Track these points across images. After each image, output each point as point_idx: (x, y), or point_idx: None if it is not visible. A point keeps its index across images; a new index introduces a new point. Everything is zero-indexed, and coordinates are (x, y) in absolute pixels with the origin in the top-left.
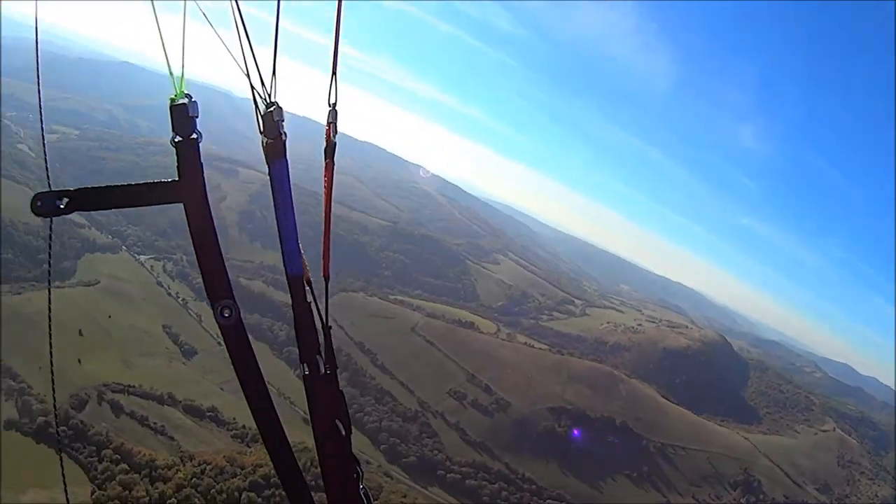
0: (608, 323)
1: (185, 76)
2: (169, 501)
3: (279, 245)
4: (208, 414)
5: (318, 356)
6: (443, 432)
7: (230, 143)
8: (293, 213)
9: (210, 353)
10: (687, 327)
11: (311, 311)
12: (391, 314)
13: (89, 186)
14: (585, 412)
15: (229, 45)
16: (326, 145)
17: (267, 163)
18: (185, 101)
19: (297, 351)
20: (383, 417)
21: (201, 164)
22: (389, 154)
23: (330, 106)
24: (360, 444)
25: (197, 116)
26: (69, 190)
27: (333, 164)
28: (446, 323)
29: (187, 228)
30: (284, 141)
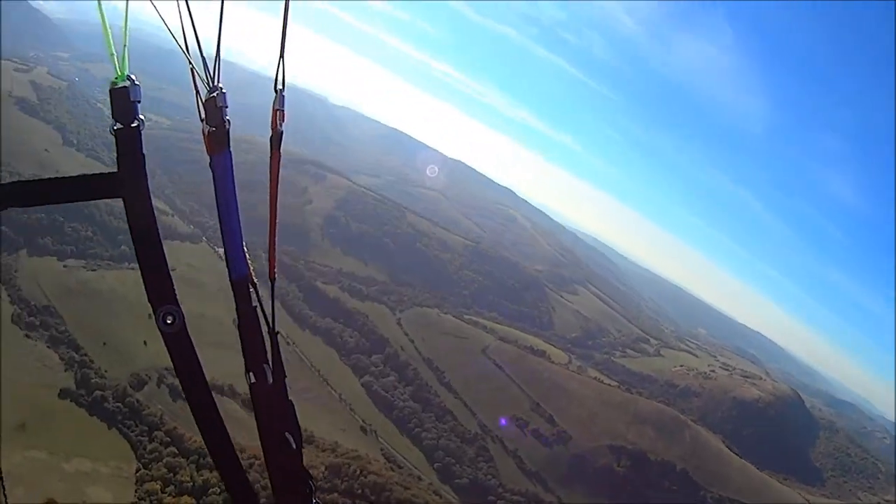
0: (681, 366)
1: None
2: (211, 490)
3: (226, 246)
4: None
5: (265, 364)
6: (499, 458)
7: (321, 148)
8: (237, 211)
9: None
10: (760, 378)
11: (256, 316)
12: (464, 334)
13: (19, 180)
14: (646, 454)
15: (177, 28)
16: (273, 134)
17: (208, 154)
18: (127, 83)
19: (244, 360)
20: (442, 435)
21: (143, 154)
22: (478, 174)
23: (276, 91)
24: (415, 459)
25: (139, 101)
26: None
27: (280, 155)
28: (518, 348)
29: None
30: (228, 130)
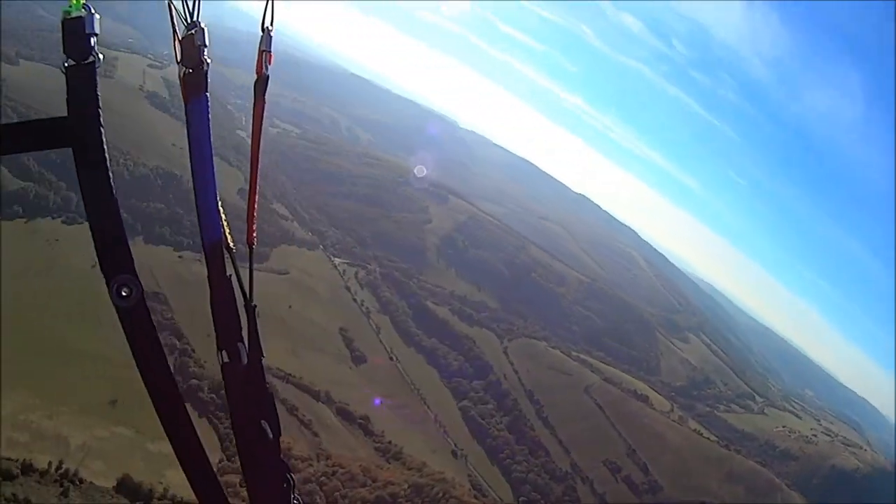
0: (783, 427)
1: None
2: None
3: (198, 205)
4: (359, 421)
5: (239, 342)
6: (586, 499)
7: (447, 170)
8: (212, 166)
9: (379, 367)
10: (862, 448)
11: (231, 286)
12: (568, 370)
13: None
14: None
15: None
16: (258, 78)
17: (183, 99)
18: (83, 13)
19: (215, 337)
20: (531, 470)
21: (97, 97)
22: (601, 210)
23: (264, 31)
24: (501, 490)
25: (96, 35)
26: None
27: (264, 103)
28: (621, 391)
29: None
30: (206, 72)
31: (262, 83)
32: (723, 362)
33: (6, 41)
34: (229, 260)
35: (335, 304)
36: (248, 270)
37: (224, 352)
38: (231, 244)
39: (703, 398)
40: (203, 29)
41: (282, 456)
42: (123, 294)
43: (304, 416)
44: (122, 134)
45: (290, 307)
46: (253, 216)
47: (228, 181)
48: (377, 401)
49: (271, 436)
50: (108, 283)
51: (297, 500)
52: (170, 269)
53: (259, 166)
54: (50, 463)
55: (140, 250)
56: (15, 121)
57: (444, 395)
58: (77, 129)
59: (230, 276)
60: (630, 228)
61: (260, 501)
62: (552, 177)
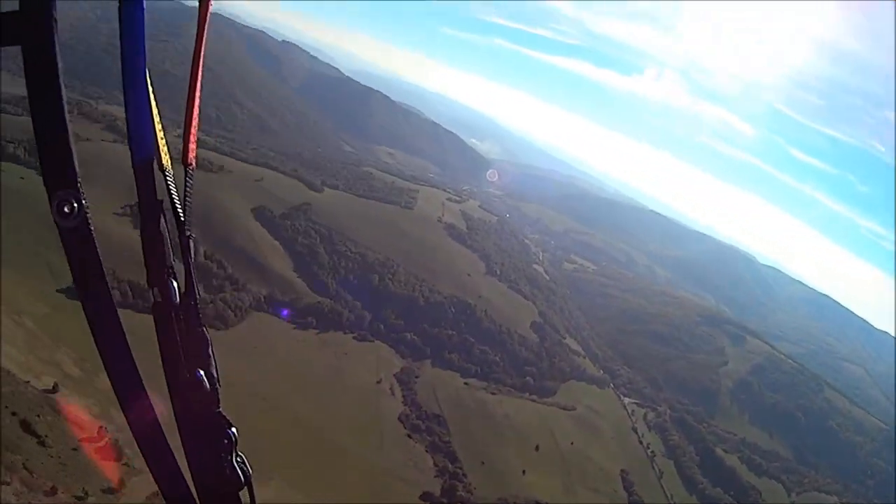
0: None
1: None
2: None
3: (128, 119)
4: None
5: (169, 279)
6: None
7: (745, 308)
8: (146, 76)
9: None
10: None
11: (159, 214)
12: None
13: None
14: None
15: None
16: None
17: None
18: None
19: (146, 274)
20: None
21: None
22: None
23: None
24: None
25: None
26: None
27: (210, 6)
28: None
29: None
30: None
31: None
32: None
33: (314, 172)
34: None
35: (619, 444)
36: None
37: (156, 289)
38: (167, 164)
39: None
40: None
41: (221, 409)
42: (65, 211)
43: None
44: (420, 262)
45: (571, 443)
46: (191, 134)
47: (523, 313)
48: None
49: (208, 387)
50: (49, 198)
51: (240, 457)
52: (453, 394)
53: (200, 81)
54: None
55: (427, 372)
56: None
57: None
58: (27, 26)
59: (161, 200)
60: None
61: (197, 459)
62: (854, 313)
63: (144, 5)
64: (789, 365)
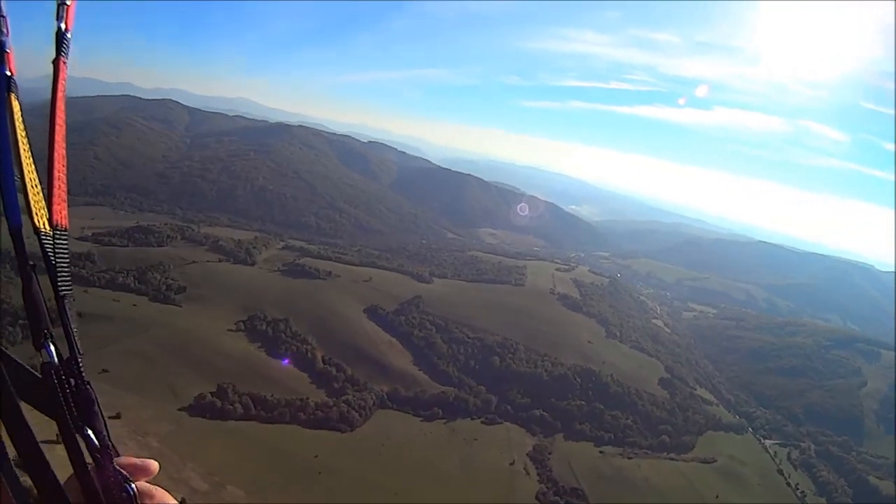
0: None
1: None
2: None
3: None
4: None
5: (46, 342)
6: None
7: (872, 320)
8: (7, 144)
9: None
10: None
11: (32, 278)
12: None
13: None
14: None
15: None
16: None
17: None
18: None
19: (31, 337)
20: None
21: None
22: None
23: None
24: None
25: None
26: None
27: (63, 65)
28: None
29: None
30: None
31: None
32: None
33: (420, 264)
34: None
35: (766, 489)
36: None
37: (43, 351)
38: (45, 227)
39: None
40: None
41: (117, 463)
42: None
43: None
44: (539, 336)
45: (717, 497)
46: (55, 196)
47: (649, 370)
48: None
49: (97, 443)
50: None
51: None
52: (590, 465)
53: (58, 143)
54: None
55: (560, 447)
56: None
57: None
58: None
59: (32, 265)
60: None
61: None
62: None
63: (14, 82)
64: None
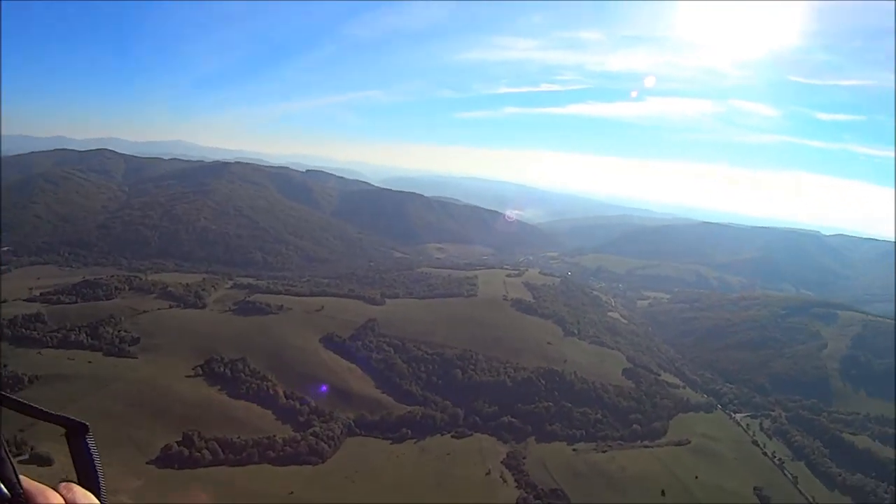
0: None
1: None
2: None
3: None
4: None
5: None
6: None
7: (824, 284)
8: None
9: None
10: None
11: None
12: None
13: None
14: None
15: None
16: None
17: None
18: None
19: None
20: None
21: None
22: None
23: None
24: None
25: None
26: None
27: None
28: None
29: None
30: None
31: None
32: None
33: (371, 287)
34: None
35: (744, 462)
36: None
37: None
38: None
39: None
40: None
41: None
42: None
43: None
44: (498, 344)
45: (696, 477)
46: None
47: (612, 363)
48: None
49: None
50: None
51: None
52: (565, 464)
53: None
54: None
55: (534, 450)
56: None
57: None
58: None
59: None
60: None
61: None
62: None
63: None
64: (887, 324)
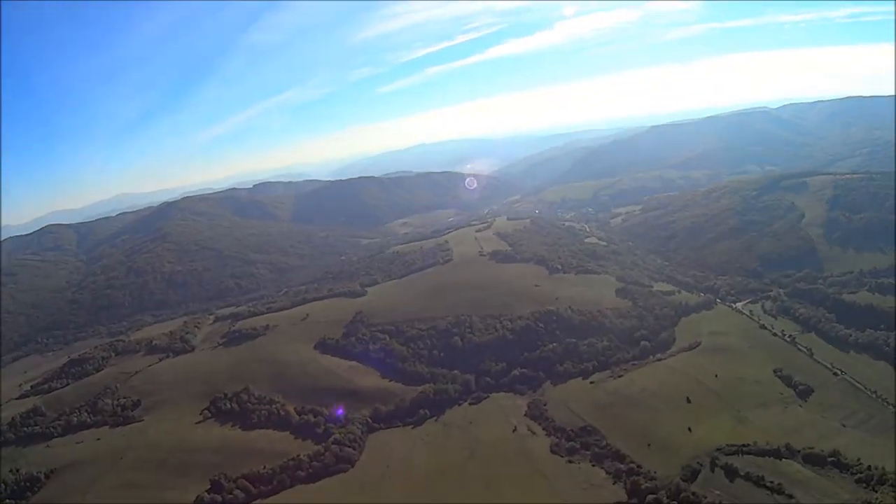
0: None
1: None
2: None
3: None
4: (830, 459)
5: None
6: None
7: (788, 156)
8: None
9: (827, 388)
10: None
11: None
12: None
13: None
14: None
15: None
16: None
17: None
18: None
19: None
20: None
21: None
22: None
23: None
24: None
25: None
26: None
27: None
28: None
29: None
30: None
31: None
32: None
33: (349, 281)
34: None
35: (758, 348)
36: None
37: None
38: None
39: None
40: None
41: None
42: None
43: (771, 483)
44: (487, 301)
45: (716, 376)
46: None
47: (603, 288)
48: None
49: None
50: None
51: None
52: (587, 398)
53: None
54: None
55: (552, 394)
56: None
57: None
58: None
59: None
60: None
61: None
62: (881, 95)
63: None
64: (857, 179)
